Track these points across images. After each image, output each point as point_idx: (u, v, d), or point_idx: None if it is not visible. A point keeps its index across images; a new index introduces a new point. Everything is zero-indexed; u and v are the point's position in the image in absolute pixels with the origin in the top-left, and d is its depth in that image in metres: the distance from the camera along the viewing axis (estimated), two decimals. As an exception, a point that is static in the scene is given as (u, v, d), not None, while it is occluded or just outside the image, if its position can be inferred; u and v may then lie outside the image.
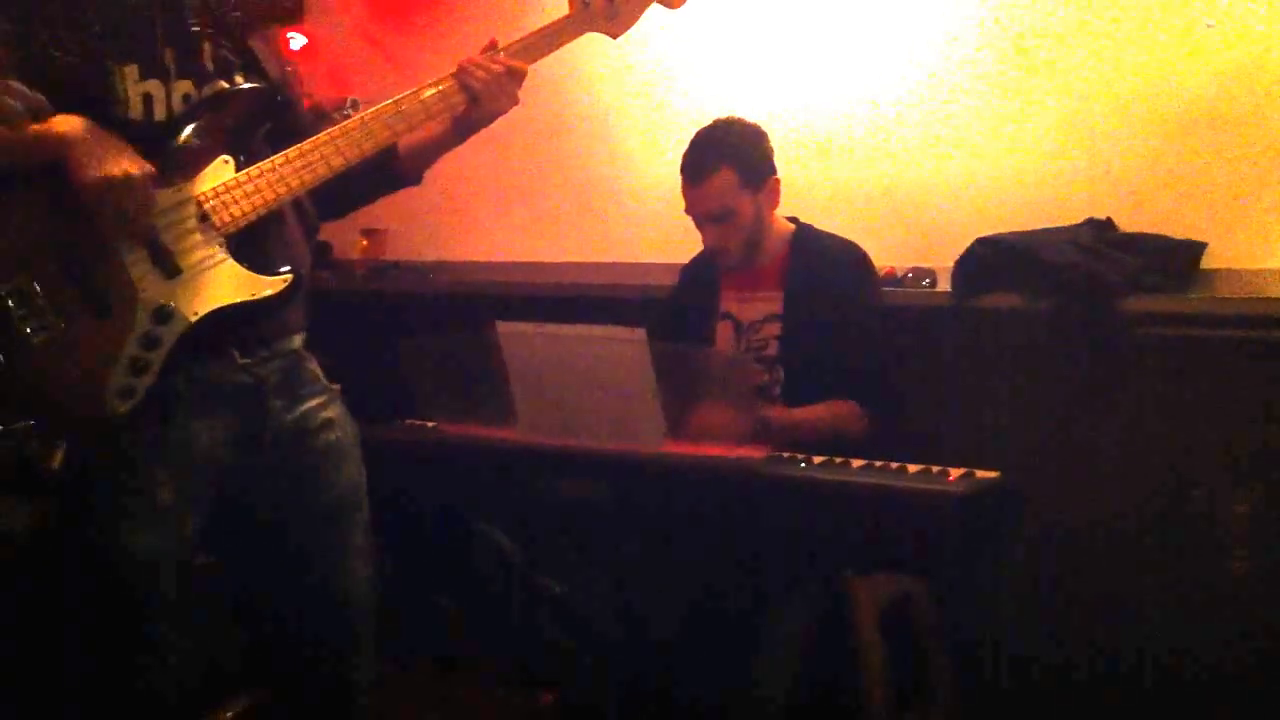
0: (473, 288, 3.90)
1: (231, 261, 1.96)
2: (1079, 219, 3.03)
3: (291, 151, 2.02)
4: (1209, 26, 2.94)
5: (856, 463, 2.41)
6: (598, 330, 2.47)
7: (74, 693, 2.00)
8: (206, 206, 1.95)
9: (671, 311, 3.09)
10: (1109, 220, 3.01)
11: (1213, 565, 2.80)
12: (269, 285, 1.98)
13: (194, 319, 1.93)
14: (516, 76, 2.23)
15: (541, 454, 2.56)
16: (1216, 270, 2.93)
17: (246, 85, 2.03)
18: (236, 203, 1.97)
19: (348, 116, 2.13)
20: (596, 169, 3.88)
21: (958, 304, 3.02)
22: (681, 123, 3.53)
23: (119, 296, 1.90)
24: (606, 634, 2.71)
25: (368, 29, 4.29)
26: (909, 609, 2.63)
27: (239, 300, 1.96)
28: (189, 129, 1.96)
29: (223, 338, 1.99)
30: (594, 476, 2.50)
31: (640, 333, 2.40)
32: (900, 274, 3.19)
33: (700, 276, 3.04)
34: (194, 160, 1.96)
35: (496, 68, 2.21)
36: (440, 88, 2.19)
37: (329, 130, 2.07)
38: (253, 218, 1.98)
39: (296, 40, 4.19)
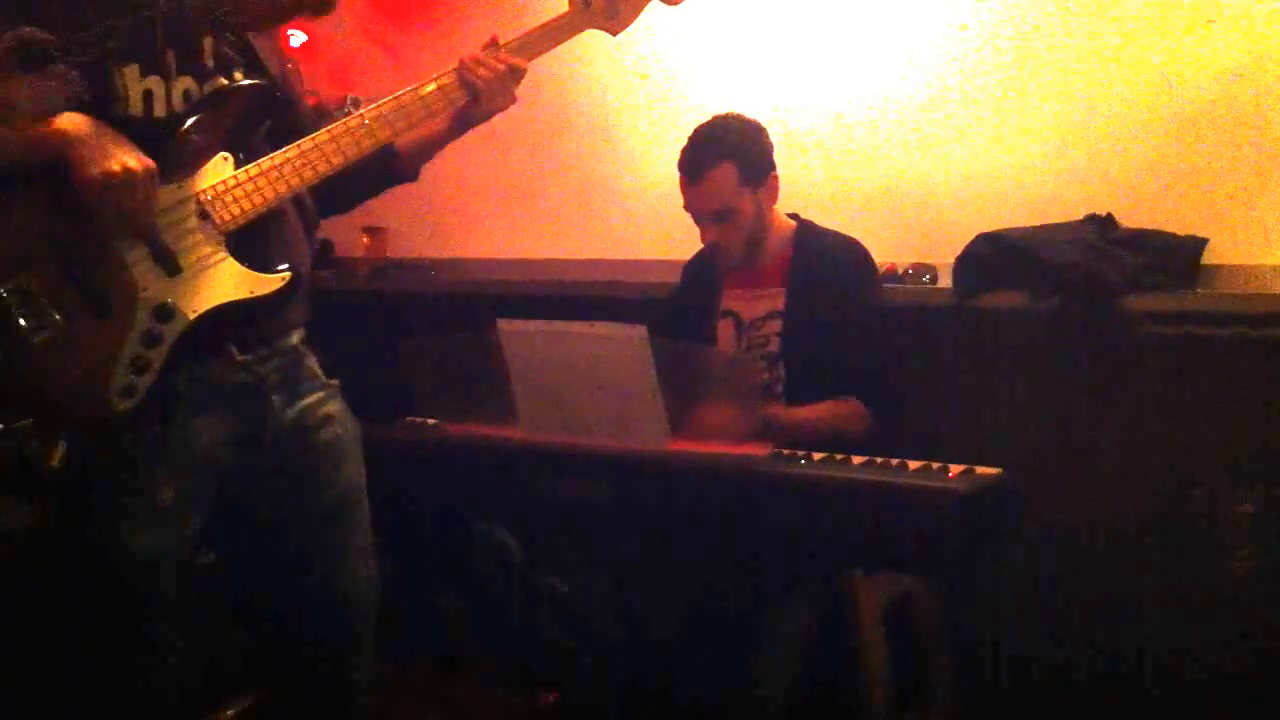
0: (474, 286, 3.89)
1: (231, 260, 1.96)
2: (1080, 215, 3.03)
3: (292, 149, 2.01)
4: (1210, 24, 2.94)
5: (857, 460, 2.41)
6: (599, 328, 2.45)
7: (74, 693, 2.00)
8: (206, 204, 1.95)
9: (673, 310, 3.08)
10: (1110, 216, 3.01)
11: (1213, 565, 2.80)
12: (268, 283, 1.98)
13: (193, 317, 1.92)
14: (516, 74, 2.24)
15: (542, 453, 2.56)
16: (1218, 266, 2.92)
17: (247, 82, 2.02)
18: (236, 201, 1.96)
19: (348, 114, 2.12)
20: (597, 167, 3.87)
21: (958, 303, 3.01)
22: (682, 120, 3.51)
23: (119, 295, 1.89)
24: (607, 634, 2.70)
25: (368, 26, 4.28)
26: (909, 608, 2.62)
27: (238, 298, 1.96)
28: (189, 126, 1.95)
29: (222, 335, 1.99)
30: (595, 475, 2.49)
31: (642, 330, 2.39)
32: (901, 270, 3.18)
33: (701, 274, 3.03)
34: (194, 157, 1.96)
35: (498, 65, 2.21)
36: (441, 84, 2.19)
37: (329, 128, 2.06)
38: (252, 216, 1.98)
39: (297, 37, 4.17)
